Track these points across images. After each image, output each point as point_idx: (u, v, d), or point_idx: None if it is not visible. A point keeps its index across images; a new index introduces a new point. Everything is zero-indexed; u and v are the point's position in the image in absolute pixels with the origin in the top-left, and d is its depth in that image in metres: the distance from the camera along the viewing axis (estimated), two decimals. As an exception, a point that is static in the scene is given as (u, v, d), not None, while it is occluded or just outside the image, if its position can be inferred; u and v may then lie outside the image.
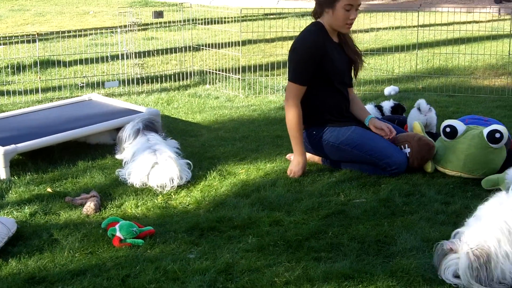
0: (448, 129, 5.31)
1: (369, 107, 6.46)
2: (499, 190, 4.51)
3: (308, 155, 5.60)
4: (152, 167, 5.10)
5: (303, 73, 5.33)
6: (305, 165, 5.36)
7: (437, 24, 11.63)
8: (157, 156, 5.18)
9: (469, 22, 12.64)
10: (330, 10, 5.32)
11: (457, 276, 3.47)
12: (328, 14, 5.35)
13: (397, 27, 12.35)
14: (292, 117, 5.34)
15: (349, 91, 5.70)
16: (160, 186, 5.03)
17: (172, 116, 7.30)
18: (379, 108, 6.59)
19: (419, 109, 6.03)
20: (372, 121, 5.54)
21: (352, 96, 5.73)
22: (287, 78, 5.50)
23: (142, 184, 5.10)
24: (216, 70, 9.23)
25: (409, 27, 11.69)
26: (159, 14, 9.64)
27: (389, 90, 8.44)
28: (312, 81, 5.35)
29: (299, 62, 5.35)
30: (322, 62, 5.32)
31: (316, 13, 5.48)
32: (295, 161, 5.37)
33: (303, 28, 5.54)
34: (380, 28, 12.28)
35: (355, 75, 5.71)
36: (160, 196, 4.94)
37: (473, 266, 3.37)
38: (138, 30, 9.93)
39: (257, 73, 9.20)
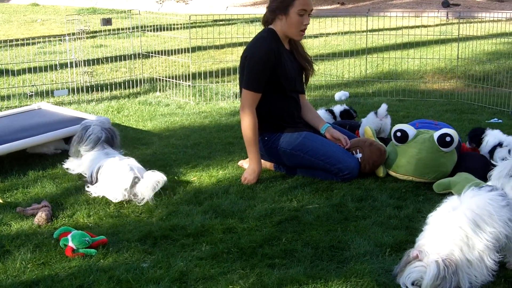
0: (399, 134, 5.35)
1: (321, 112, 6.48)
2: (450, 193, 4.57)
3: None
4: (134, 181, 4.98)
5: (258, 80, 5.32)
6: (259, 173, 5.34)
7: (386, 29, 11.75)
8: (135, 171, 5.06)
9: (418, 27, 12.83)
10: (284, 16, 5.34)
11: (415, 284, 3.48)
12: (282, 21, 5.36)
13: (346, 32, 12.44)
14: (248, 125, 5.33)
15: (301, 97, 5.71)
16: (143, 199, 4.95)
17: (122, 124, 7.22)
18: (331, 112, 6.62)
19: (376, 113, 6.08)
20: (329, 130, 5.56)
21: (305, 103, 5.75)
22: (238, 85, 5.49)
23: (124, 198, 5.00)
24: (166, 77, 9.17)
25: (358, 32, 11.79)
26: (107, 22, 9.54)
27: (339, 95, 8.49)
28: (265, 88, 5.34)
29: (254, 69, 5.33)
30: (275, 69, 5.33)
31: (268, 20, 5.47)
32: (250, 168, 5.35)
33: (255, 35, 5.53)
34: (329, 34, 12.35)
35: (306, 82, 5.73)
36: (112, 205, 4.87)
37: (440, 276, 3.38)
38: (87, 37, 9.82)
39: (208, 80, 9.17)
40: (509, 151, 5.28)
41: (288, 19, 5.33)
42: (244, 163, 5.68)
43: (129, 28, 9.49)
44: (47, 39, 10.54)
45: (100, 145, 5.37)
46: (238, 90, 6.14)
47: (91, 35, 11.87)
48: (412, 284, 3.46)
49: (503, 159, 5.21)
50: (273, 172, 5.55)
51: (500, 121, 7.26)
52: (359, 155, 5.35)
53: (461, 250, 3.47)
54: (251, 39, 5.58)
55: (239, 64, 5.51)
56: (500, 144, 5.49)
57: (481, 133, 5.69)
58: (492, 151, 5.54)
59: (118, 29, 10.37)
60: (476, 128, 5.90)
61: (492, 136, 5.62)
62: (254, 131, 5.33)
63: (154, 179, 4.94)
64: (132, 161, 5.15)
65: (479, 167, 5.24)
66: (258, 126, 5.39)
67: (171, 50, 9.43)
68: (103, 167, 5.10)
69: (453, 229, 3.50)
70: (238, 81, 5.66)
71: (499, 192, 3.65)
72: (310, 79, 5.75)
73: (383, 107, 6.11)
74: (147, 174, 5.00)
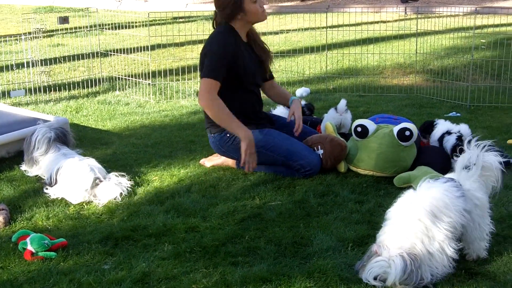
0: (359, 129, 5.37)
1: (280, 109, 6.48)
2: (411, 187, 4.59)
3: (222, 159, 5.58)
4: (94, 182, 4.93)
5: (217, 69, 5.27)
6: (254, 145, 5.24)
7: (346, 25, 11.80)
8: (96, 171, 5.01)
9: (377, 22, 12.90)
10: (241, 12, 5.34)
11: (377, 279, 3.49)
12: (242, 17, 5.37)
13: (306, 29, 12.45)
14: (217, 109, 5.25)
15: (270, 82, 5.79)
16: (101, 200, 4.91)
17: (81, 124, 7.14)
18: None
19: (336, 109, 6.10)
20: (295, 102, 5.63)
21: (274, 85, 5.85)
22: (199, 79, 5.45)
23: (84, 199, 4.94)
24: (125, 76, 9.10)
25: (318, 28, 11.81)
26: (64, 20, 9.43)
27: (300, 91, 8.50)
28: (224, 84, 5.32)
29: (212, 60, 5.29)
30: (234, 61, 5.31)
31: (221, 23, 5.47)
32: (244, 145, 5.19)
33: (213, 32, 5.50)
34: (289, 30, 12.37)
35: (266, 72, 5.71)
36: (72, 206, 4.81)
37: (407, 270, 3.41)
38: (44, 37, 9.67)
39: (168, 78, 9.12)
40: (459, 137, 5.49)
41: (248, 12, 5.34)
42: (206, 161, 5.66)
43: (86, 27, 9.39)
44: (2, 39, 10.39)
45: (54, 146, 5.30)
46: (198, 88, 6.08)
47: (48, 34, 11.70)
48: (374, 279, 3.48)
49: (454, 147, 5.31)
50: (235, 170, 5.52)
51: (458, 114, 7.33)
52: (321, 151, 5.36)
53: (422, 242, 3.50)
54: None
55: (199, 61, 5.47)
56: (448, 132, 5.59)
57: (432, 124, 5.82)
58: (441, 139, 5.64)
59: (76, 28, 10.22)
60: (427, 121, 5.97)
61: (442, 125, 5.74)
62: (226, 110, 5.24)
63: (117, 184, 4.92)
64: (92, 161, 5.10)
65: (438, 160, 5.29)
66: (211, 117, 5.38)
67: (130, 48, 9.34)
68: (62, 168, 5.04)
69: (412, 222, 3.52)
70: (199, 78, 5.63)
71: (454, 183, 3.69)
72: (270, 67, 5.75)
73: (342, 102, 6.13)
74: (111, 177, 4.97)
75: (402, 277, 3.40)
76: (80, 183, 4.89)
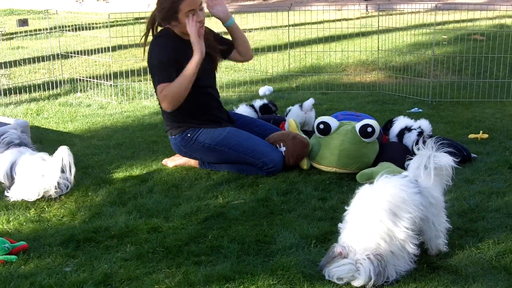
0: (321, 126, 5.38)
1: (243, 107, 6.48)
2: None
3: (184, 159, 5.56)
4: (43, 175, 4.89)
5: (167, 72, 5.22)
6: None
7: (308, 23, 11.82)
8: (44, 164, 4.96)
9: (339, 20, 12.94)
10: (176, 22, 5.29)
11: (342, 280, 3.49)
12: (177, 26, 5.32)
13: (269, 27, 12.47)
14: (173, 89, 5.19)
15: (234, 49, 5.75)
16: (56, 192, 4.89)
17: (42, 126, 7.06)
18: (252, 107, 6.61)
19: (301, 106, 6.11)
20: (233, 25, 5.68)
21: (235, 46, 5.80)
22: (155, 85, 5.41)
23: (40, 195, 4.90)
24: (87, 78, 9.03)
25: (281, 27, 11.83)
26: (23, 22, 9.35)
27: (263, 90, 8.50)
28: None
29: (159, 65, 5.27)
30: (179, 63, 5.25)
31: (159, 25, 5.45)
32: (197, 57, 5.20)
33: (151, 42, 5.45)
34: (252, 29, 12.35)
35: (215, 68, 5.68)
36: (33, 209, 4.75)
37: (376, 272, 3.41)
38: (3, 39, 9.57)
39: (130, 79, 9.06)
40: (420, 133, 5.56)
41: (182, 23, 5.26)
42: (169, 162, 5.63)
43: (47, 29, 9.29)
44: (-38, 42, 10.26)
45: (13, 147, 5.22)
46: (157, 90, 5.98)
47: (8, 36, 11.58)
48: (337, 279, 3.48)
49: (416, 143, 5.35)
50: (198, 170, 5.50)
51: (420, 110, 7.38)
52: (283, 149, 5.36)
53: (385, 242, 3.51)
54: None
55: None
56: (408, 129, 5.64)
57: (391, 121, 5.91)
58: (400, 134, 5.71)
59: (36, 30, 10.12)
60: (389, 119, 6.02)
61: (400, 121, 5.81)
62: (177, 80, 5.20)
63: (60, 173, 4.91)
64: (44, 155, 5.04)
65: (400, 156, 5.29)
66: (180, 124, 5.36)
67: (92, 50, 9.29)
68: (17, 164, 4.99)
69: (374, 223, 3.52)
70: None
71: (411, 179, 3.70)
72: (217, 65, 5.72)
73: (310, 101, 6.14)
74: (53, 168, 4.93)
75: (370, 280, 3.41)
76: (37, 176, 4.86)
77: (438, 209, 3.79)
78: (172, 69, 5.23)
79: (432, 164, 3.76)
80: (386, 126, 5.90)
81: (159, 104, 5.42)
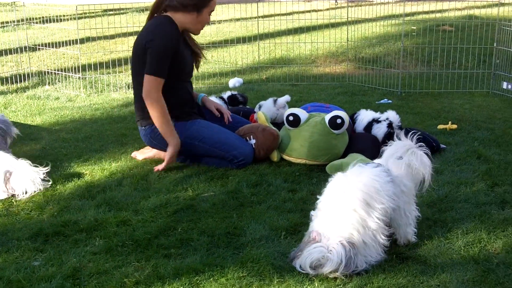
0: (291, 118, 5.38)
1: (213, 99, 6.46)
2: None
3: (153, 151, 5.53)
4: (5, 176, 4.81)
5: (162, 65, 5.21)
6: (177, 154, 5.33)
7: (278, 14, 11.81)
8: (7, 165, 4.89)
9: (309, 11, 12.95)
10: (196, 13, 5.32)
11: (313, 266, 3.49)
12: (191, 16, 5.31)
13: (238, 19, 12.44)
14: (159, 112, 5.21)
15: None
16: (23, 192, 4.80)
17: (10, 120, 6.96)
18: (222, 98, 6.60)
19: (275, 101, 6.11)
20: (204, 99, 5.71)
21: None
22: (132, 75, 5.38)
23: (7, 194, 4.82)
24: (55, 70, 8.94)
25: (250, 18, 11.80)
26: (-10, 15, 9.21)
27: (233, 82, 8.49)
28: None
29: (159, 55, 5.21)
30: (176, 54, 5.26)
31: (164, 9, 5.37)
32: (170, 152, 5.26)
33: (153, 21, 5.37)
34: (221, 21, 12.33)
35: (197, 67, 5.69)
36: (1, 203, 4.69)
37: (346, 257, 3.43)
38: (-30, 32, 9.46)
39: (98, 71, 9.00)
40: (389, 124, 5.62)
41: (199, 17, 5.35)
42: (138, 154, 5.60)
43: (14, 21, 9.19)
44: None
45: None
46: (130, 81, 5.96)
47: (-26, 29, 11.45)
48: (311, 266, 3.48)
49: (386, 134, 5.39)
50: (167, 162, 5.47)
51: (390, 101, 7.42)
52: (253, 141, 5.35)
53: (358, 232, 3.52)
54: (141, 28, 5.46)
55: (133, 52, 5.38)
56: (376, 120, 5.67)
57: (352, 117, 5.91)
58: (368, 127, 5.75)
59: (3, 23, 10.01)
60: (351, 115, 6.05)
61: (363, 115, 5.85)
62: (166, 116, 5.24)
63: (29, 171, 4.82)
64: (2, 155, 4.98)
65: (370, 147, 5.34)
66: (150, 115, 5.33)
67: (60, 42, 9.19)
68: None
69: (348, 212, 3.53)
70: (131, 70, 5.55)
71: (383, 169, 3.72)
72: (200, 64, 5.72)
73: (284, 98, 6.16)
74: (21, 166, 4.86)
75: (341, 264, 3.41)
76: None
77: (409, 197, 3.81)
78: (167, 63, 5.23)
79: (407, 158, 3.78)
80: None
81: (135, 88, 5.42)
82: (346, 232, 3.51)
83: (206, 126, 5.40)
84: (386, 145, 3.96)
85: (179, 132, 5.31)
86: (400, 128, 5.57)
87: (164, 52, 5.22)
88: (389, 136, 5.42)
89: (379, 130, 5.62)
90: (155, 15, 5.42)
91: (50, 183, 4.95)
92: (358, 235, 3.52)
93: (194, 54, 5.58)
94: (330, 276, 3.47)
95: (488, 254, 3.71)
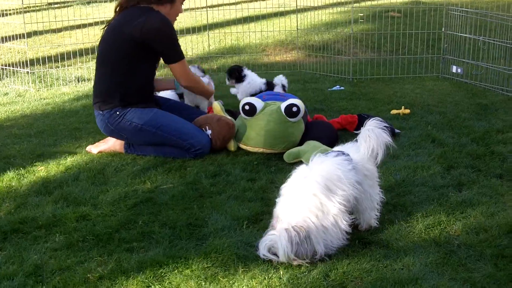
0: (247, 107, 5.37)
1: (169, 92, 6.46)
2: (301, 162, 4.64)
3: (108, 144, 5.48)
4: None
5: (180, 47, 5.50)
6: None
7: (226, 4, 11.78)
8: None
9: (257, 0, 12.94)
10: (169, 5, 5.48)
11: (272, 252, 3.50)
12: (166, 8, 5.46)
13: (186, 9, 12.36)
14: (202, 83, 5.86)
15: None
16: None
17: (-41, 117, 6.85)
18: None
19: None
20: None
21: None
22: (174, 60, 5.47)
23: None
24: (2, 65, 8.78)
25: (198, 8, 11.74)
26: None
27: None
28: (144, 63, 5.39)
29: (174, 40, 5.44)
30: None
31: (138, 2, 5.39)
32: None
33: (146, 14, 5.33)
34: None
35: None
36: (-45, 203, 4.60)
37: (293, 242, 3.43)
38: None
39: (47, 65, 8.85)
40: (283, 86, 6.58)
41: (173, 9, 5.54)
42: (93, 148, 5.53)
43: (-43, 16, 9.00)
44: None
45: None
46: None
47: None
48: (268, 251, 3.49)
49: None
50: (123, 155, 5.42)
51: (342, 88, 7.46)
52: (209, 132, 5.34)
53: (316, 217, 3.53)
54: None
55: (106, 39, 5.40)
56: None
57: (240, 70, 6.71)
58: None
59: None
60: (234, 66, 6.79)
61: (251, 77, 6.83)
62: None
63: None
64: None
65: (326, 134, 5.38)
66: (111, 100, 5.32)
67: (6, 37, 9.02)
68: None
69: (307, 197, 3.55)
70: (97, 56, 5.50)
71: (345, 157, 3.73)
72: None
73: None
74: None
75: (289, 249, 3.42)
76: None
77: (373, 180, 3.84)
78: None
79: (379, 142, 3.80)
80: (235, 75, 6.81)
81: (100, 72, 5.43)
82: (300, 216, 3.52)
83: (163, 114, 5.39)
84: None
85: (137, 118, 5.28)
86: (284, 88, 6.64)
87: (175, 36, 5.44)
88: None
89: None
90: (126, 6, 5.43)
91: None
92: (316, 220, 3.52)
93: None
94: (293, 263, 3.49)
95: (449, 236, 3.77)
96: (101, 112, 5.39)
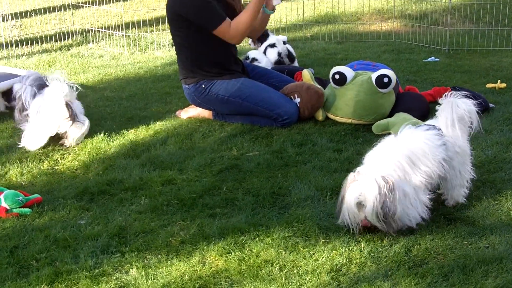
0: (337, 76, 5.29)
1: (256, 52, 6.45)
2: (389, 134, 4.54)
3: (198, 110, 5.50)
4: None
5: (213, 11, 5.17)
6: None
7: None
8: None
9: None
10: None
11: (359, 206, 3.41)
12: None
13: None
14: (244, 23, 5.21)
15: None
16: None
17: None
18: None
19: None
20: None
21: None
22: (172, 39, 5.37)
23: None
24: (98, 28, 8.93)
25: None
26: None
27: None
28: (199, 34, 5.23)
29: (207, 9, 5.16)
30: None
31: None
32: None
33: None
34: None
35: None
36: (46, 162, 4.71)
37: (381, 192, 3.30)
38: (14, -10, 9.50)
39: (142, 29, 8.97)
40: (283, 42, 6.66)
41: None
42: (182, 113, 5.57)
43: (57, -21, 9.20)
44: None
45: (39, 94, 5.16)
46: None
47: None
48: (355, 205, 3.39)
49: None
50: (211, 121, 5.44)
51: (437, 59, 7.28)
52: (298, 100, 5.29)
53: (399, 177, 3.43)
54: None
55: (167, 15, 5.37)
56: (272, 45, 5.89)
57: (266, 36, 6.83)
58: (264, 51, 6.83)
59: (46, -20, 10.04)
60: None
61: (271, 38, 6.92)
62: (243, 15, 5.24)
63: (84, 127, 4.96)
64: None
65: (417, 107, 5.25)
66: (194, 74, 5.30)
67: (103, 0, 9.17)
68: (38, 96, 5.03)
69: (391, 162, 3.45)
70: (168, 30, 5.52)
71: (436, 132, 3.62)
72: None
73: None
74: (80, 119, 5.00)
75: (379, 200, 3.30)
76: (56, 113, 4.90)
77: (464, 157, 3.73)
78: (214, 8, 5.18)
79: (454, 114, 3.68)
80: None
81: (177, 48, 5.40)
82: (384, 171, 3.40)
83: (250, 84, 5.35)
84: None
85: (223, 90, 5.28)
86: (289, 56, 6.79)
87: (201, 3, 5.16)
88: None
89: (271, 55, 6.74)
90: None
91: None
92: (398, 179, 3.42)
93: (230, 7, 5.46)
94: (374, 229, 3.43)
95: (539, 216, 3.64)
96: (187, 86, 5.41)
